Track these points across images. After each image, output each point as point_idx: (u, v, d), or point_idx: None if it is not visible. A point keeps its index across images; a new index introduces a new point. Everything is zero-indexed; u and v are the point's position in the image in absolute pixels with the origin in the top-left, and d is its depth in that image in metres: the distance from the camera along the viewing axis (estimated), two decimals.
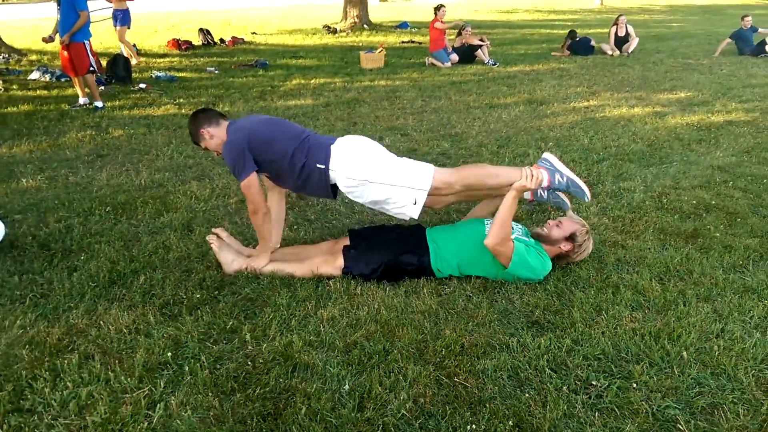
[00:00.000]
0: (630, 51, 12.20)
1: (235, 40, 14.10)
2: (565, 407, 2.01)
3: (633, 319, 2.55)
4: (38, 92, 8.33)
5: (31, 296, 2.74)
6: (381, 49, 11.10)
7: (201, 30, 13.99)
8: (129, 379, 2.15)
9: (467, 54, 11.34)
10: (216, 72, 10.23)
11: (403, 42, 14.86)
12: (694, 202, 3.91)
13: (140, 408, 2.02)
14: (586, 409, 2.02)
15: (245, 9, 28.22)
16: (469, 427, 1.93)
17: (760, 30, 12.13)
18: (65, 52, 6.99)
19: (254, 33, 16.21)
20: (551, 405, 2.01)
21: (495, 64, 10.97)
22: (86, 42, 6.95)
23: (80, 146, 5.49)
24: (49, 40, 7.26)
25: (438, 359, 2.29)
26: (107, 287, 2.83)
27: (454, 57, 11.18)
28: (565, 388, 2.11)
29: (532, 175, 2.70)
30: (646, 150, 5.25)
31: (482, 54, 11.27)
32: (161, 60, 11.55)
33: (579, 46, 12.31)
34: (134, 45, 12.02)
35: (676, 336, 2.40)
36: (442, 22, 11.06)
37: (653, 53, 12.29)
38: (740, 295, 2.74)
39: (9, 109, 7.21)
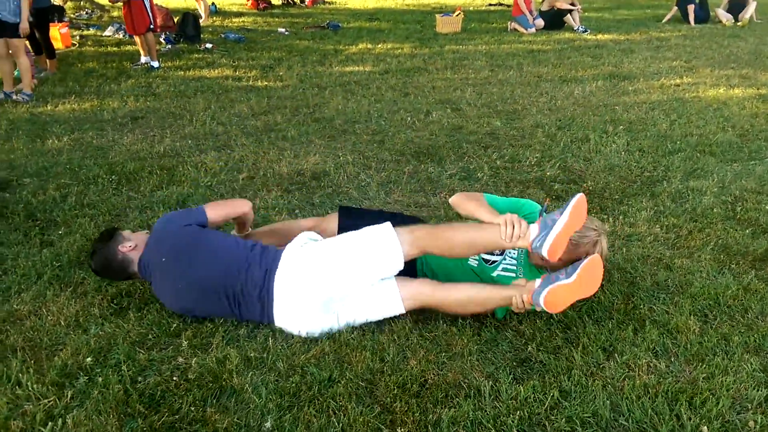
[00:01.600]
0: (746, 17, 10.67)
1: (315, 1, 13.80)
2: None
3: (650, 370, 2.00)
4: (108, 49, 8.48)
5: None
6: (458, 12, 10.39)
7: None
8: (39, 385, 1.93)
9: (555, 19, 10.38)
10: (286, 33, 10.01)
11: (490, 4, 13.95)
12: None
13: (34, 423, 1.78)
14: None
15: None
16: None
17: None
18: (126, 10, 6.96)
19: None
20: None
21: (585, 31, 9.97)
22: (146, 0, 6.88)
23: (121, 107, 5.43)
24: None
25: (388, 399, 1.89)
26: (69, 269, 2.63)
27: (539, 22, 10.26)
28: None
29: (512, 232, 2.06)
30: (735, 141, 4.41)
31: (572, 19, 10.27)
32: (236, 19, 11.49)
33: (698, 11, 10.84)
34: (213, 3, 12.05)
35: (700, 402, 1.84)
36: None
37: None
38: None
39: (75, 65, 7.35)
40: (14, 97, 5.56)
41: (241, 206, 2.48)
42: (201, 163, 3.97)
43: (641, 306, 2.35)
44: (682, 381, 1.94)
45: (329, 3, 14.05)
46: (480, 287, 2.20)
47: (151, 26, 7.11)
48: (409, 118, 5.06)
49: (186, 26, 9.08)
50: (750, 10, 10.75)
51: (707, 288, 2.45)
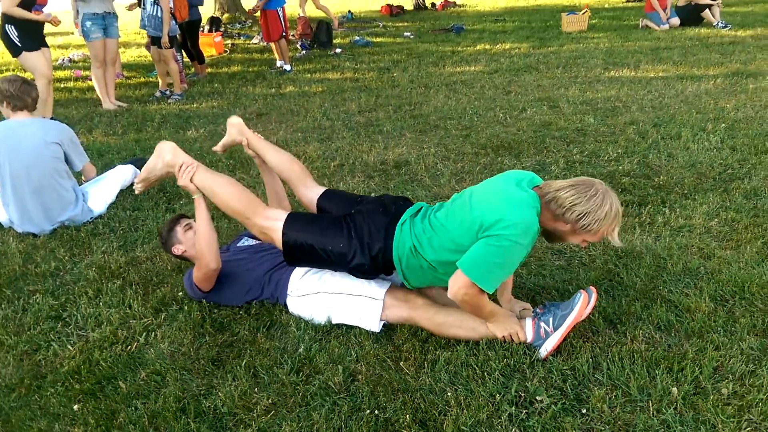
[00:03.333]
0: None
1: (445, 4, 14.22)
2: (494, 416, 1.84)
3: (645, 340, 2.15)
4: (253, 55, 9.60)
5: (124, 228, 3.37)
6: (585, 10, 10.20)
7: None
8: (143, 308, 2.56)
9: (693, 15, 9.77)
10: (411, 37, 10.53)
11: (627, 0, 13.38)
12: None
13: (134, 333, 2.40)
14: (514, 426, 1.82)
15: None
16: None
17: None
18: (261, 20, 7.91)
19: None
20: (473, 409, 1.86)
21: (725, 27, 9.30)
22: (279, 9, 7.76)
23: (251, 105, 6.27)
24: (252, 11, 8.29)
25: (400, 342, 2.25)
26: None
27: (675, 21, 9.73)
28: (506, 403, 1.92)
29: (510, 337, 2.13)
30: None
31: (710, 15, 9.61)
32: (368, 25, 12.25)
33: None
34: (349, 11, 12.95)
35: (679, 368, 1.97)
36: None
37: None
38: None
39: (223, 69, 8.48)
40: (168, 95, 6.66)
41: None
42: (303, 152, 4.56)
43: (661, 287, 2.46)
44: (672, 352, 2.06)
45: (459, 6, 14.37)
46: (467, 317, 2.17)
47: (284, 34, 7.99)
48: (501, 115, 5.28)
49: (320, 33, 9.97)
50: None
51: (736, 276, 2.48)
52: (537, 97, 5.88)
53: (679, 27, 9.62)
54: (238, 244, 2.78)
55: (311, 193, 2.54)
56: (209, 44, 9.67)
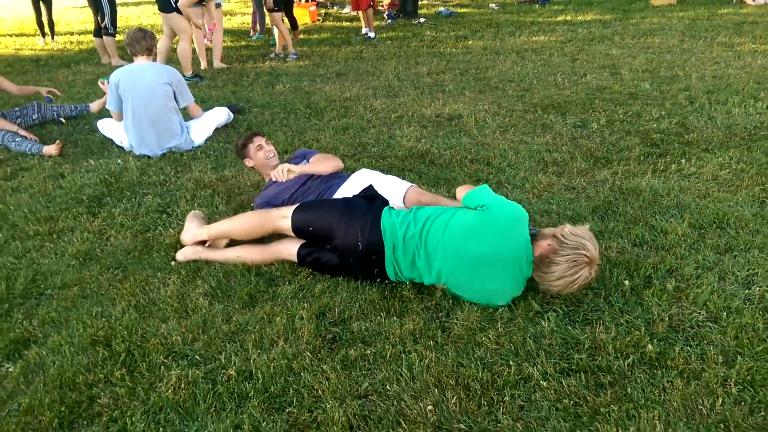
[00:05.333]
0: None
1: None
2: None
3: (615, 249, 2.58)
4: (343, 23, 10.27)
5: (217, 155, 4.14)
6: None
7: None
8: (226, 208, 3.29)
9: None
10: (495, 8, 10.78)
11: None
12: None
13: None
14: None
15: None
16: None
17: None
18: None
19: None
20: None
21: None
22: None
23: (333, 66, 6.94)
24: None
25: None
26: None
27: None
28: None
29: None
30: None
31: None
32: None
33: None
34: None
35: (636, 269, 2.40)
36: None
37: None
38: None
39: (314, 35, 9.22)
40: (282, 56, 7.55)
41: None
42: (370, 105, 5.16)
43: (649, 216, 2.86)
44: (637, 260, 2.49)
45: None
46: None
47: (371, 3, 8.57)
48: (560, 80, 5.61)
49: (406, 3, 10.46)
50: None
51: (719, 210, 2.82)
52: (601, 65, 6.11)
53: None
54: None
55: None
56: (304, 13, 10.44)
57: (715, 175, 3.30)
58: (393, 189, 2.88)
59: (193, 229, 2.81)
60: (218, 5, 7.24)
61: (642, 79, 5.47)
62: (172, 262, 2.73)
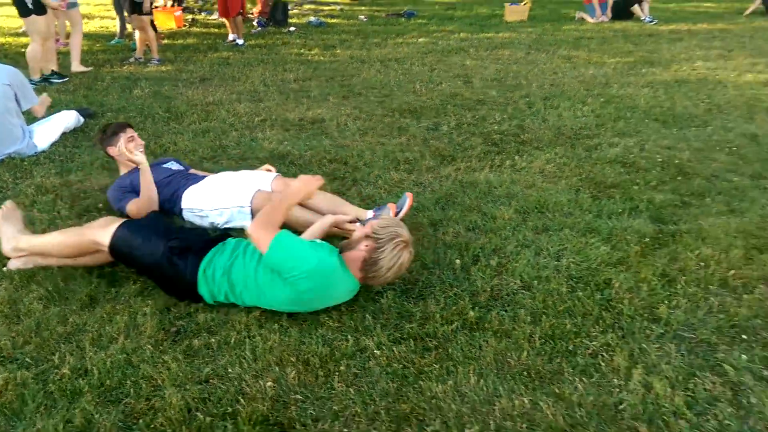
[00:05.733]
0: None
1: None
2: None
3: (453, 234, 2.83)
4: (210, 29, 10.08)
5: (62, 160, 3.93)
6: (526, 1, 10.92)
7: None
8: (69, 213, 3.15)
9: (622, 9, 10.57)
10: (364, 20, 11.12)
11: None
12: (661, 159, 3.73)
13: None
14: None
15: None
16: None
17: None
18: None
19: None
20: None
21: (652, 22, 10.11)
22: None
23: (197, 71, 6.81)
24: None
25: None
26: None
27: (605, 17, 10.47)
28: None
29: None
30: (698, 114, 4.84)
31: (639, 10, 10.42)
32: (327, 8, 12.80)
33: None
34: None
35: (466, 249, 2.66)
36: None
37: None
38: (578, 234, 2.81)
39: (179, 41, 8.97)
40: (142, 60, 7.25)
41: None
42: (233, 110, 5.15)
43: (483, 205, 3.15)
44: (468, 242, 2.74)
45: None
46: None
47: (241, 11, 8.53)
48: (418, 87, 5.94)
49: (276, 12, 10.49)
50: None
51: (541, 197, 3.19)
52: (456, 74, 6.56)
53: (610, 21, 10.40)
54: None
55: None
56: (169, 18, 10.12)
57: (542, 168, 3.70)
58: (246, 186, 2.94)
59: (11, 241, 2.59)
60: (74, 5, 6.82)
61: (490, 87, 5.95)
62: (4, 269, 2.58)
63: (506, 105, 5.25)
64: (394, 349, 2.02)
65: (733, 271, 2.46)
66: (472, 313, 2.18)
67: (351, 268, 2.20)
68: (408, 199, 2.83)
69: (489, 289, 2.37)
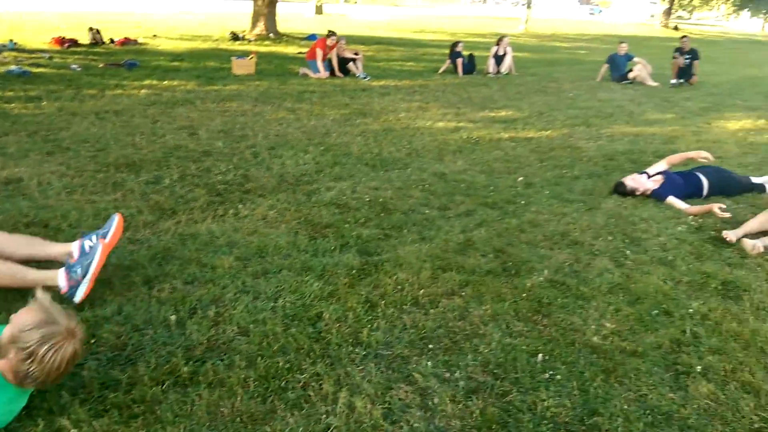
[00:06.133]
0: (503, 71, 12.75)
1: (126, 41, 14.09)
2: None
3: (170, 290, 2.74)
4: None
5: None
6: (252, 56, 11.31)
7: (90, 29, 13.95)
8: None
9: (341, 66, 11.63)
10: (78, 69, 10.23)
11: (300, 53, 15.11)
12: (369, 199, 4.19)
13: None
14: None
15: (169, 14, 28.12)
16: None
17: (635, 59, 12.69)
18: None
19: (155, 36, 16.24)
20: None
21: (365, 78, 11.29)
22: None
23: None
24: None
25: None
26: None
27: (324, 74, 11.36)
28: None
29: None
30: (401, 157, 5.55)
31: (354, 67, 11.59)
32: (32, 55, 11.48)
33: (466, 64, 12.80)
34: (11, 40, 11.96)
35: (184, 303, 2.60)
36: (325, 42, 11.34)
37: (527, 75, 12.86)
38: (295, 273, 2.97)
39: None
40: None
41: None
42: None
43: (203, 255, 3.12)
44: (185, 295, 2.68)
45: (141, 44, 14.39)
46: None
47: None
48: (138, 140, 5.67)
49: None
50: (505, 65, 12.85)
51: (263, 242, 3.29)
52: (181, 126, 6.43)
53: (330, 77, 11.36)
54: None
55: None
56: None
57: (264, 215, 3.83)
58: None
59: None
60: None
61: (217, 138, 5.97)
62: None
63: (232, 155, 5.33)
64: (94, 423, 1.86)
65: (422, 290, 2.86)
66: (185, 369, 2.13)
67: (6, 377, 1.86)
68: (116, 220, 2.66)
69: (205, 341, 2.34)
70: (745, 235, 3.71)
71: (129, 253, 3.15)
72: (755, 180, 5.13)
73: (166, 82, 9.42)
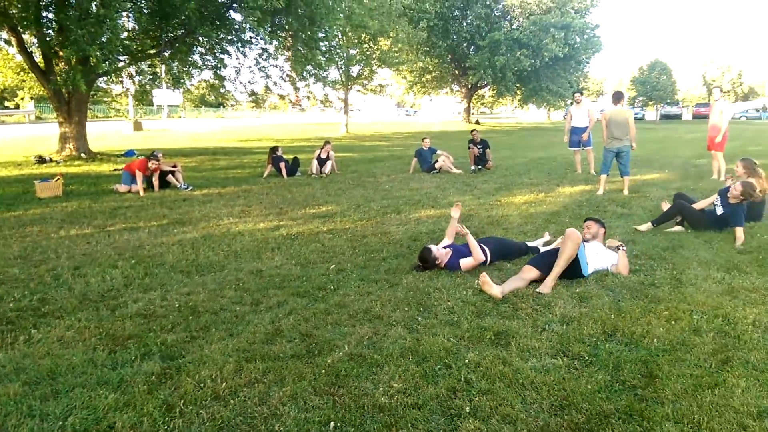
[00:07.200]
0: (326, 172, 13.51)
1: None
2: None
3: None
4: None
5: None
6: (58, 178, 10.79)
7: None
8: None
9: (161, 180, 11.50)
10: None
11: (115, 170, 14.67)
12: (179, 305, 4.19)
13: None
14: None
15: None
16: None
17: (438, 151, 14.24)
18: None
19: None
20: None
21: (188, 188, 11.26)
22: None
23: None
24: None
25: None
26: None
27: (135, 187, 11.13)
28: None
29: None
30: (216, 260, 5.62)
31: (174, 179, 11.53)
32: None
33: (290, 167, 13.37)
34: None
35: None
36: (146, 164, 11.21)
37: (349, 173, 13.75)
38: (89, 389, 2.88)
39: None
40: None
41: None
42: None
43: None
44: None
45: None
46: None
47: None
48: None
49: None
50: (327, 168, 13.65)
51: (54, 365, 3.13)
52: None
53: (149, 189, 11.17)
54: None
55: None
56: None
57: (60, 336, 3.66)
58: None
59: None
60: None
61: (13, 265, 5.58)
62: None
63: (29, 281, 5.01)
64: None
65: (224, 384, 2.93)
66: None
67: None
68: None
69: None
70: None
71: None
72: (530, 244, 6.04)
73: None
